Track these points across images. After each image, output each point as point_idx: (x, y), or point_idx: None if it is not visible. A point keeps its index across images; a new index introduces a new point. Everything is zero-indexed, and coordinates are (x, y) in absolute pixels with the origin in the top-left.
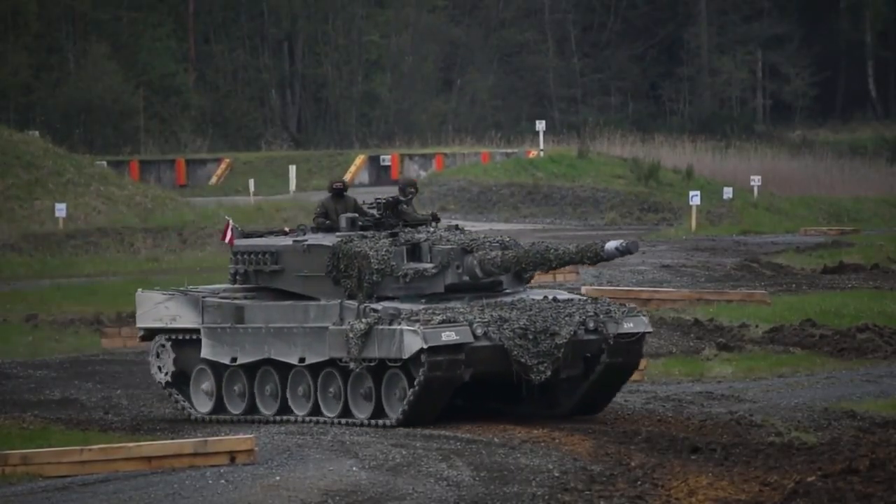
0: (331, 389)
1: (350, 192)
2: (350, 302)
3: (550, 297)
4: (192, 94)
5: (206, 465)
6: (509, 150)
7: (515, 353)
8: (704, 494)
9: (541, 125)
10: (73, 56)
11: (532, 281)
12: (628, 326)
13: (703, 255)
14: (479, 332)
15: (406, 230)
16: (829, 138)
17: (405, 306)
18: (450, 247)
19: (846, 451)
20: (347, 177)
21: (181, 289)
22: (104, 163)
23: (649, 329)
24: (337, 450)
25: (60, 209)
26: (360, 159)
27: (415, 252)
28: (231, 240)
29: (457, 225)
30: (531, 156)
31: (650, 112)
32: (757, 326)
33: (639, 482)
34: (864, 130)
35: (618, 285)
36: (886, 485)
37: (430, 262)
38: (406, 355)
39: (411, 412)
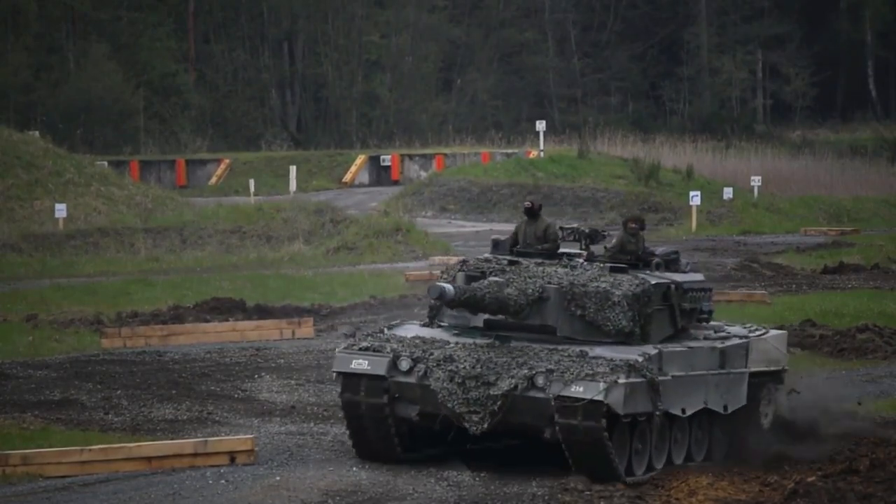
0: None
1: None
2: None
3: (579, 350)
4: (192, 94)
5: (206, 465)
6: (509, 151)
7: (442, 396)
8: (704, 494)
9: (541, 125)
10: (73, 56)
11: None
12: (575, 390)
13: (704, 256)
14: (403, 366)
15: (558, 260)
16: (829, 138)
17: (431, 334)
18: (497, 279)
19: (846, 451)
20: (348, 177)
21: None
22: (104, 163)
23: (600, 398)
24: (337, 450)
25: (60, 209)
26: (360, 159)
27: (477, 280)
28: None
29: (619, 267)
30: (531, 156)
31: (650, 112)
32: None
33: (639, 482)
34: (864, 130)
35: None
36: (886, 485)
37: None
38: (334, 379)
39: (352, 441)
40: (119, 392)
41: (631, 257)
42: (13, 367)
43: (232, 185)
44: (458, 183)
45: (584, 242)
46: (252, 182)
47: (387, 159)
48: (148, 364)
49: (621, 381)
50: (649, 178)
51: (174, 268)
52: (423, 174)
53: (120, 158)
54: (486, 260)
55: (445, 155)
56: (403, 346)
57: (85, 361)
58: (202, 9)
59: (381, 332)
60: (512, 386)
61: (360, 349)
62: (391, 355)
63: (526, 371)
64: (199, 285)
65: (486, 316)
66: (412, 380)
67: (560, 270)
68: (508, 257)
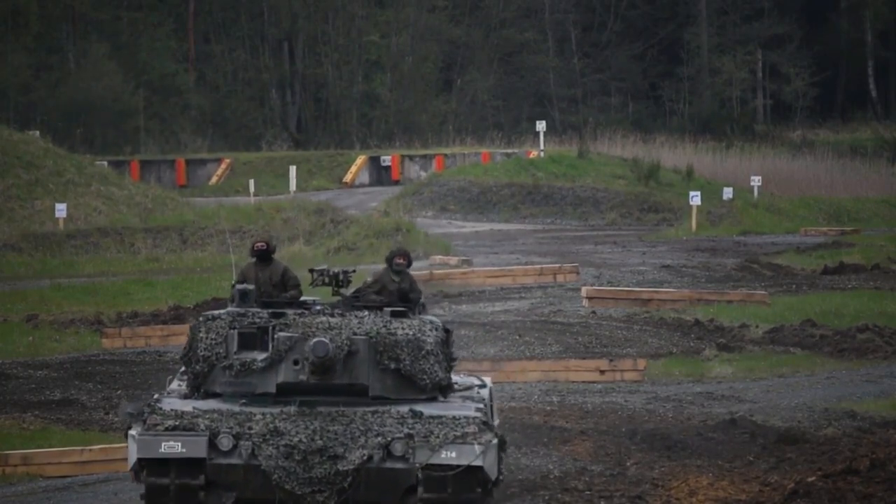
0: None
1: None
2: (132, 402)
3: (409, 411)
4: (192, 94)
5: None
6: (509, 151)
7: (277, 477)
8: (704, 494)
9: (541, 125)
10: (73, 56)
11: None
12: (447, 456)
13: (704, 256)
14: (224, 445)
15: (317, 309)
16: (829, 138)
17: (221, 406)
18: (290, 333)
19: (846, 451)
20: (348, 177)
21: None
22: (104, 163)
23: (478, 463)
24: None
25: (60, 209)
26: (360, 159)
27: (257, 339)
28: None
29: (399, 311)
30: (531, 156)
31: (650, 112)
32: (757, 327)
33: (639, 482)
34: (864, 130)
35: (618, 286)
36: (886, 485)
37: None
38: (129, 468)
39: None
40: (119, 392)
41: (395, 298)
42: (13, 367)
43: (232, 184)
44: (458, 183)
45: (334, 285)
46: (252, 182)
47: (387, 159)
48: (148, 364)
49: (493, 441)
50: (649, 178)
51: (174, 268)
52: (423, 174)
53: (120, 158)
54: (242, 314)
55: (445, 155)
56: (215, 421)
57: (85, 361)
58: (202, 9)
59: (149, 406)
60: (365, 457)
61: (168, 429)
62: (207, 434)
63: (380, 439)
64: (199, 285)
65: (281, 379)
66: (237, 461)
67: (335, 320)
68: (268, 310)
